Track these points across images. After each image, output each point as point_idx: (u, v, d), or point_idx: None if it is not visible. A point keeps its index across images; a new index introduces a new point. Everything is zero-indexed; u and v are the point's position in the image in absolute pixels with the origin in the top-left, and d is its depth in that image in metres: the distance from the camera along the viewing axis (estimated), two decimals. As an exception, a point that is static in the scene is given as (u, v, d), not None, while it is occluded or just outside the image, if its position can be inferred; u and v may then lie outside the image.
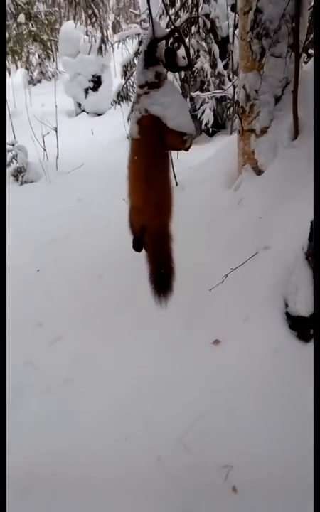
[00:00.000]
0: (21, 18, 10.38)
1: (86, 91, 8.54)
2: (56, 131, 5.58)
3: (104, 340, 2.40)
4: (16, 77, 11.63)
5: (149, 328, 2.30)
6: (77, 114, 8.91)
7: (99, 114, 8.57)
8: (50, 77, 11.74)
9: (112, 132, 7.03)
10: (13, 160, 5.53)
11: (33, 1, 9.80)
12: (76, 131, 7.27)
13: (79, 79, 8.35)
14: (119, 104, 6.09)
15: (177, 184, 3.35)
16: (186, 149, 1.44)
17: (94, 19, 5.13)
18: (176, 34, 1.40)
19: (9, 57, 11.11)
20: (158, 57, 1.39)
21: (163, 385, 2.02)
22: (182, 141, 1.40)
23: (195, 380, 2.00)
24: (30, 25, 10.15)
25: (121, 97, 6.07)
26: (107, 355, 2.30)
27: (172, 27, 1.41)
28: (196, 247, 2.53)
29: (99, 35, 5.12)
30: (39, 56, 10.72)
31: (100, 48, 5.04)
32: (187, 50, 1.43)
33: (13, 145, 5.55)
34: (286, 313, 1.99)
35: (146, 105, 1.41)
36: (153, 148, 1.44)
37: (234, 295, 2.16)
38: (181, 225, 2.90)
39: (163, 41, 1.39)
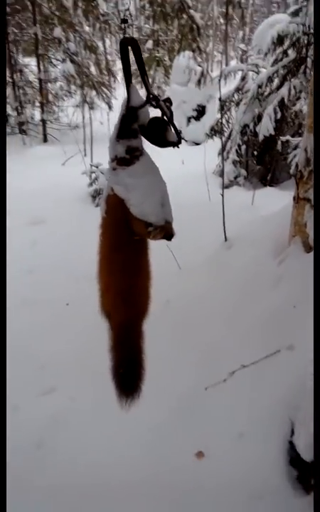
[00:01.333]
0: (149, 43, 10.97)
1: (188, 119, 8.49)
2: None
3: (92, 405, 2.14)
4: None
5: (139, 411, 1.99)
6: (176, 142, 8.91)
7: (197, 144, 8.48)
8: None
9: (205, 162, 6.82)
10: (95, 181, 5.60)
11: (162, 29, 10.26)
12: (168, 159, 7.19)
13: (183, 107, 8.34)
14: (212, 137, 5.92)
15: (226, 240, 2.99)
16: (168, 239, 1.14)
17: (197, 52, 5.07)
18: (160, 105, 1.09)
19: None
20: (134, 129, 1.12)
21: (121, 485, 1.69)
22: (147, 232, 1.10)
23: (157, 493, 1.63)
24: (157, 51, 10.67)
25: (215, 131, 5.90)
26: (85, 424, 2.03)
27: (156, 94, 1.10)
28: (216, 325, 2.16)
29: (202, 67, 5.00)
30: (153, 80, 11.04)
31: (199, 80, 4.91)
32: (171, 121, 1.12)
33: (97, 167, 5.62)
34: (290, 442, 1.55)
35: (111, 183, 1.15)
36: (119, 232, 1.17)
37: (235, 400, 1.76)
38: (213, 294, 2.56)
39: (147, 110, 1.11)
